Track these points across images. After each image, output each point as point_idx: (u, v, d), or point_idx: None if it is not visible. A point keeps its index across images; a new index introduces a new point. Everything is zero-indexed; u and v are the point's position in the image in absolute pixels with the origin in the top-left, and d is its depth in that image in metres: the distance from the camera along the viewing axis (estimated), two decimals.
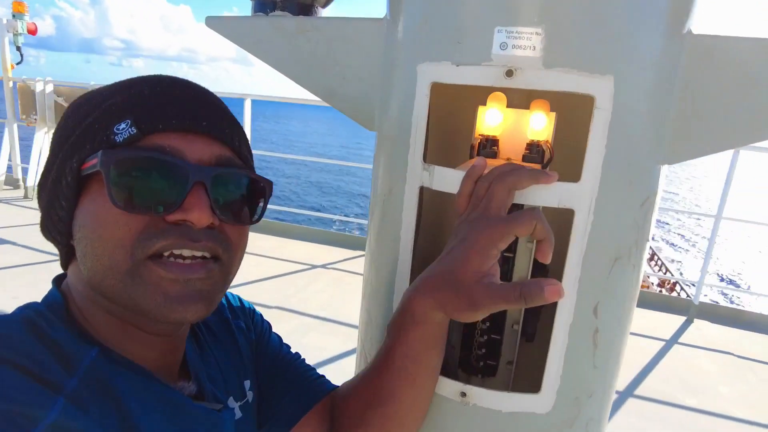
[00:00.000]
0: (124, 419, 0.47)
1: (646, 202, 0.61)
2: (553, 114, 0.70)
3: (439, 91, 0.62)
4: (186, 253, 0.49)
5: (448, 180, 0.60)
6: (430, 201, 0.72)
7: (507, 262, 0.74)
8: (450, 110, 0.78)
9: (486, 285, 0.52)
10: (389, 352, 0.62)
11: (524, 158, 0.73)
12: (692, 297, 3.60)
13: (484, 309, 0.52)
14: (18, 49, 5.05)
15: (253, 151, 0.62)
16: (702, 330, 3.40)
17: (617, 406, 2.46)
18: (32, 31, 5.04)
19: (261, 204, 0.58)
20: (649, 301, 3.72)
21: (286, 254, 4.00)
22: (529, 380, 0.70)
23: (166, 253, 0.48)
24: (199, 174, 0.49)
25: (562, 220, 0.61)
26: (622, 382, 2.65)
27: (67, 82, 5.05)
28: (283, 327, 2.50)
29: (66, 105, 4.28)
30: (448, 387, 0.64)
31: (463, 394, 0.64)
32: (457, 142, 0.80)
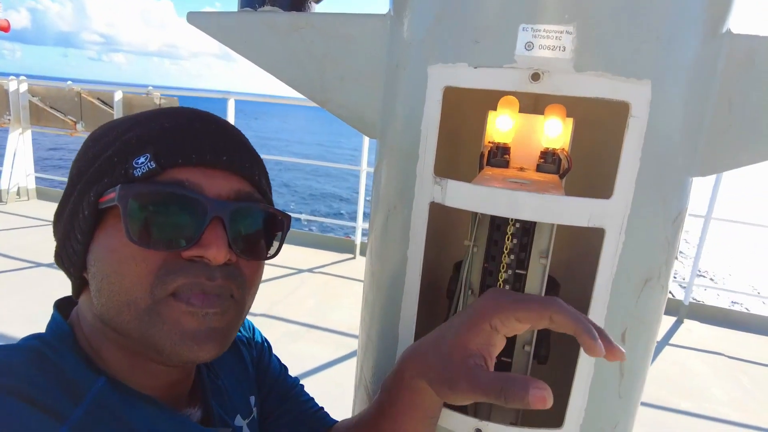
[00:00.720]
0: None
1: (677, 218, 0.56)
2: (570, 120, 0.64)
3: (446, 93, 0.56)
4: (202, 290, 0.48)
5: (463, 196, 0.53)
6: (434, 216, 0.66)
7: (519, 280, 0.68)
8: (457, 115, 0.72)
9: (470, 368, 0.46)
10: (377, 411, 0.60)
11: (538, 167, 0.67)
12: (682, 298, 3.61)
13: (461, 394, 0.46)
14: None
15: None
16: (692, 331, 3.40)
17: None
18: (4, 28, 4.84)
19: (278, 238, 0.57)
20: None
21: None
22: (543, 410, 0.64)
23: (183, 292, 0.48)
24: (217, 209, 0.48)
25: (588, 239, 0.56)
26: None
27: (42, 82, 4.86)
28: (270, 335, 2.41)
29: (41, 105, 4.11)
30: (462, 424, 0.58)
31: (479, 431, 0.58)
32: (465, 150, 0.74)
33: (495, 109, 0.66)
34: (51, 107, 4.52)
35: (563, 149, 0.66)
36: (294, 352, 2.61)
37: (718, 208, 3.47)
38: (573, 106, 0.64)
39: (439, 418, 0.58)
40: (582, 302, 0.55)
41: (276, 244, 0.57)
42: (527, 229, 0.65)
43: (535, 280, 0.68)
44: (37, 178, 5.17)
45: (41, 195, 5.18)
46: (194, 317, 0.48)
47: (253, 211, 0.53)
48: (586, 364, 0.55)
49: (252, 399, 0.69)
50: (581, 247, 0.75)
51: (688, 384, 2.74)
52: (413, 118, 0.56)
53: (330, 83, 0.66)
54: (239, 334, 0.72)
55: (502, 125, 0.67)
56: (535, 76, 0.48)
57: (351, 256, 4.21)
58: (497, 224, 0.67)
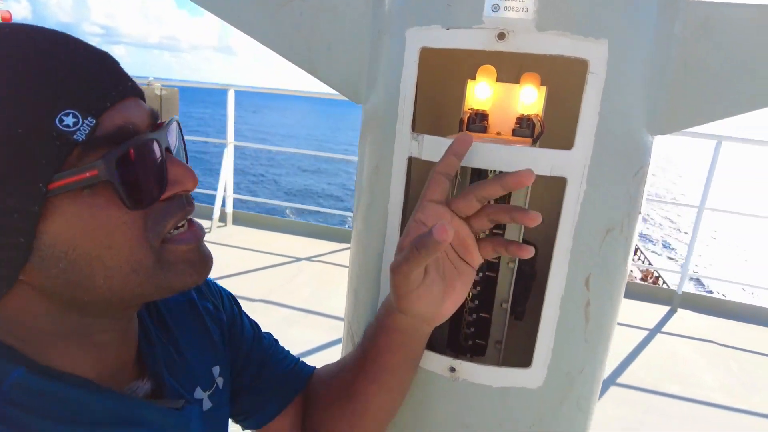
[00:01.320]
0: None
1: (639, 173, 0.60)
2: (544, 88, 0.68)
3: (427, 63, 0.60)
4: (182, 222, 0.49)
5: (439, 149, 0.58)
6: (417, 179, 0.70)
7: (488, 281, 0.73)
8: (438, 84, 0.76)
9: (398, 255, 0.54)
10: (360, 354, 0.64)
11: (514, 132, 0.71)
12: (676, 287, 3.66)
13: (396, 270, 0.53)
14: None
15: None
16: (685, 319, 3.45)
17: (600, 393, 2.49)
18: (6, 20, 4.89)
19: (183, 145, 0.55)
20: (632, 292, 3.77)
21: (269, 247, 3.97)
22: (519, 359, 0.68)
23: (173, 231, 0.48)
24: (162, 139, 0.46)
25: (554, 190, 0.60)
26: (605, 371, 2.69)
27: None
28: (267, 320, 2.47)
29: None
30: (437, 362, 0.63)
31: (453, 369, 0.62)
32: (446, 117, 0.78)
33: (474, 78, 0.70)
34: None
35: (537, 115, 0.70)
36: (290, 337, 2.66)
37: (712, 198, 3.51)
38: (547, 74, 0.68)
39: (420, 361, 0.63)
40: None
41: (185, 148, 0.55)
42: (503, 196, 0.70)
43: (505, 281, 0.73)
44: None
45: None
46: (197, 251, 0.49)
47: (170, 124, 0.50)
48: (552, 306, 0.60)
49: (216, 369, 0.66)
50: (559, 203, 0.79)
51: (679, 370, 2.79)
52: (393, 79, 0.61)
53: (318, 53, 0.70)
54: (203, 302, 0.68)
55: (481, 93, 0.71)
56: (501, 36, 0.52)
57: (347, 245, 4.26)
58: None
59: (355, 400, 0.65)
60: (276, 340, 0.78)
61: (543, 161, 0.55)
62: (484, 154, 0.56)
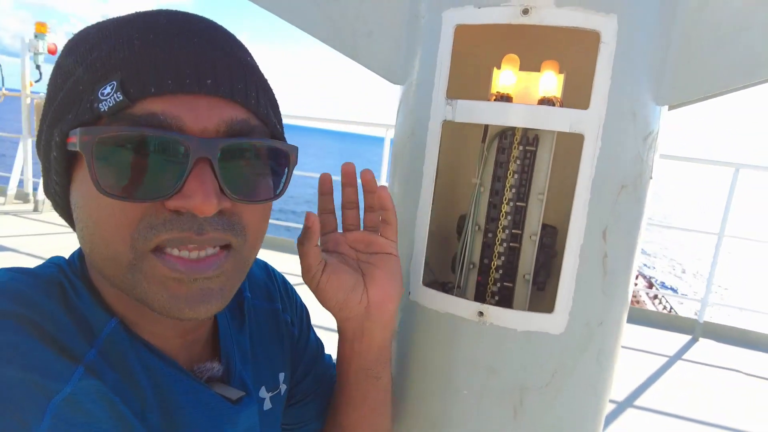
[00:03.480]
0: (139, 396, 0.46)
1: (648, 137, 0.67)
2: (562, 75, 0.77)
3: (459, 52, 0.69)
4: (191, 247, 0.43)
5: (471, 111, 0.66)
6: (448, 147, 0.78)
7: (520, 212, 0.80)
8: (465, 75, 0.85)
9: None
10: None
11: None
12: (696, 316, 3.61)
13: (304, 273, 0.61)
14: (38, 67, 5.25)
15: None
16: (708, 349, 3.39)
17: (616, 414, 2.45)
18: (52, 51, 5.24)
19: (284, 174, 0.49)
20: (652, 320, 3.73)
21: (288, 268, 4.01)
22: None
23: (169, 246, 0.43)
24: (202, 149, 0.41)
25: (573, 148, 0.67)
26: (623, 393, 2.64)
27: None
28: None
29: None
30: (466, 307, 0.69)
31: (481, 314, 0.68)
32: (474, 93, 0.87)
33: (499, 67, 0.79)
34: None
35: (556, 97, 0.79)
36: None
37: (731, 225, 3.51)
38: (565, 61, 0.76)
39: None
40: None
41: (282, 181, 0.49)
42: (525, 171, 0.77)
43: (534, 214, 0.80)
44: None
45: None
46: (181, 283, 0.43)
47: (250, 146, 0.46)
48: (572, 255, 0.66)
49: (281, 375, 0.67)
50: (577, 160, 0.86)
51: (701, 396, 2.73)
52: (430, 54, 0.70)
53: (360, 39, 0.80)
54: (285, 314, 0.70)
55: (505, 80, 0.80)
56: (525, 11, 0.61)
57: None
58: (500, 162, 0.80)
59: (331, 418, 0.73)
60: (329, 355, 0.79)
61: (563, 119, 0.62)
62: (515, 114, 0.64)
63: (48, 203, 5.11)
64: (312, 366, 0.74)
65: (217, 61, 0.43)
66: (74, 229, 0.48)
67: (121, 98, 0.40)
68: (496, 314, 0.68)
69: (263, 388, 0.63)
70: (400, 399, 0.76)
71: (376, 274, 0.64)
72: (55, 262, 0.49)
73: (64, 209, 0.48)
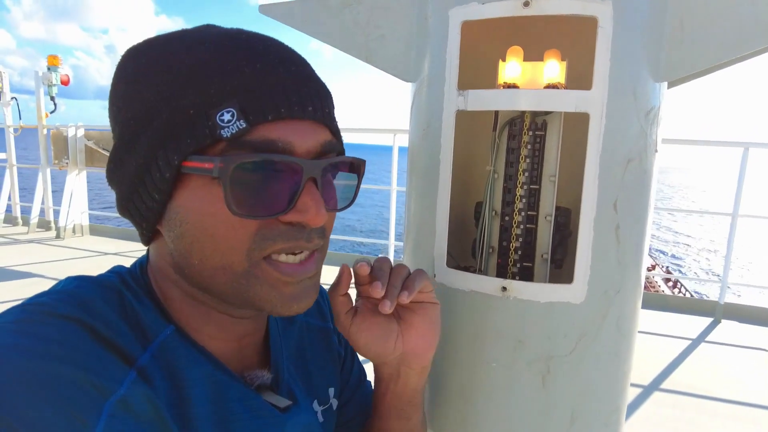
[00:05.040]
0: (183, 404, 0.48)
1: (650, 113, 0.72)
2: (564, 62, 0.82)
3: (466, 48, 0.74)
4: (298, 253, 0.49)
5: (482, 100, 0.71)
6: (459, 136, 0.83)
7: (533, 195, 0.84)
8: (472, 70, 0.91)
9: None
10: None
11: None
12: (717, 298, 3.60)
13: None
14: (52, 99, 5.41)
15: None
16: (731, 330, 3.37)
17: (644, 398, 2.45)
18: (65, 82, 5.41)
19: (356, 185, 0.56)
20: (672, 305, 3.72)
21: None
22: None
23: (274, 255, 0.48)
24: (311, 169, 0.47)
25: (580, 134, 0.72)
26: (649, 377, 2.65)
27: (97, 126, 5.35)
28: None
29: (96, 148, 4.48)
30: (490, 284, 0.74)
31: (504, 289, 0.73)
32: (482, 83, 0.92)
33: (505, 59, 0.84)
34: (104, 149, 4.95)
35: (560, 83, 0.84)
36: None
37: (744, 205, 3.51)
38: (566, 49, 0.81)
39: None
40: None
41: (353, 192, 0.56)
42: (536, 155, 0.82)
43: (548, 196, 0.85)
44: (90, 215, 5.59)
45: (94, 231, 5.59)
46: (289, 285, 0.49)
47: (338, 164, 0.52)
48: (587, 226, 0.70)
49: (332, 390, 0.69)
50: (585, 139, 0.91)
51: (726, 375, 2.73)
52: (440, 51, 0.75)
53: (374, 43, 0.86)
54: (336, 335, 0.74)
55: (511, 71, 0.85)
56: (526, 3, 0.66)
57: None
58: (511, 148, 0.85)
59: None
60: (369, 382, 0.80)
61: (569, 100, 0.67)
62: (523, 98, 0.69)
63: (69, 230, 5.25)
64: (355, 390, 0.76)
65: (312, 89, 0.48)
66: (145, 242, 0.53)
67: (244, 126, 0.43)
68: (519, 288, 0.72)
69: (315, 402, 0.65)
70: (432, 376, 0.81)
71: (415, 321, 0.63)
72: (116, 271, 0.53)
73: (152, 223, 0.50)
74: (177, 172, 0.45)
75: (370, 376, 0.73)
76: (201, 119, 0.44)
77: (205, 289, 0.50)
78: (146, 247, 0.55)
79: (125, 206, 0.51)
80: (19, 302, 0.45)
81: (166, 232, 0.49)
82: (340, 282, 0.61)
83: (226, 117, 0.43)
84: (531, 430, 0.75)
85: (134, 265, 0.55)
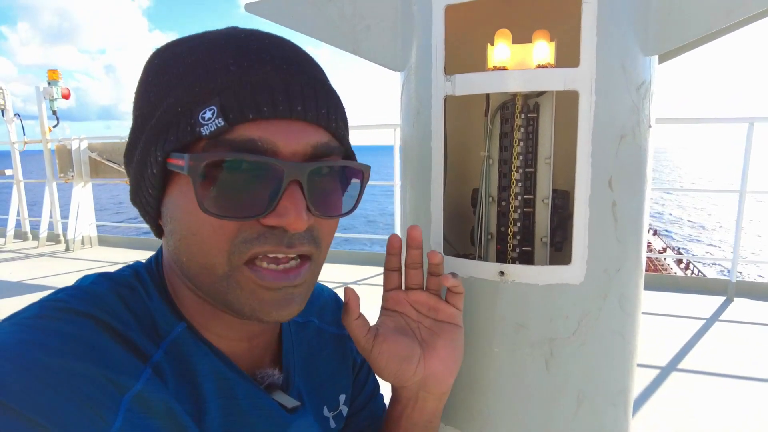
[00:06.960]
0: (197, 400, 0.49)
1: (641, 87, 0.71)
2: (553, 43, 0.81)
3: (453, 33, 0.73)
4: (280, 256, 0.47)
5: (470, 83, 0.70)
6: (450, 122, 0.83)
7: (530, 178, 0.84)
8: (461, 55, 0.90)
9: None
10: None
11: None
12: (727, 276, 3.56)
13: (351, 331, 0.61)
14: (54, 113, 5.47)
15: None
16: (743, 307, 3.34)
17: (662, 379, 2.44)
18: (66, 96, 5.46)
19: (357, 192, 0.53)
20: (683, 286, 3.69)
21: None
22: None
23: (259, 258, 0.47)
24: (294, 172, 0.45)
25: (574, 114, 0.71)
26: (665, 358, 2.63)
27: (99, 137, 5.41)
28: None
29: (100, 159, 4.53)
30: (487, 269, 0.73)
31: (502, 273, 0.72)
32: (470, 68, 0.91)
33: (493, 43, 0.83)
34: (108, 160, 4.99)
35: (550, 63, 0.83)
36: None
37: (752, 182, 3.46)
38: (554, 29, 0.80)
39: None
40: None
41: (354, 199, 0.53)
42: (530, 138, 0.81)
43: (544, 178, 0.84)
44: (98, 226, 5.65)
45: (102, 242, 5.65)
46: (269, 291, 0.48)
47: (332, 169, 0.49)
48: (582, 205, 0.69)
49: (342, 397, 0.69)
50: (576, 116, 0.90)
51: (740, 355, 2.70)
52: (425, 37, 0.74)
53: (359, 34, 0.85)
54: (351, 344, 0.72)
55: (500, 54, 0.84)
56: None
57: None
58: (504, 132, 0.84)
59: None
60: (385, 405, 0.78)
61: (557, 78, 0.66)
62: (511, 79, 0.68)
63: (78, 241, 5.30)
64: (368, 401, 0.75)
65: (304, 87, 0.46)
66: (155, 234, 0.53)
67: (222, 124, 0.43)
68: (517, 272, 0.72)
69: (325, 407, 0.65)
70: None
71: (438, 344, 0.63)
72: (132, 267, 0.54)
73: (153, 218, 0.51)
74: (163, 168, 0.46)
75: (387, 397, 0.72)
76: (185, 117, 0.44)
77: (197, 288, 0.50)
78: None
79: (134, 199, 0.52)
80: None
81: (164, 227, 0.50)
82: (348, 308, 0.60)
83: (207, 115, 0.43)
84: (537, 413, 0.75)
85: (150, 259, 0.56)
